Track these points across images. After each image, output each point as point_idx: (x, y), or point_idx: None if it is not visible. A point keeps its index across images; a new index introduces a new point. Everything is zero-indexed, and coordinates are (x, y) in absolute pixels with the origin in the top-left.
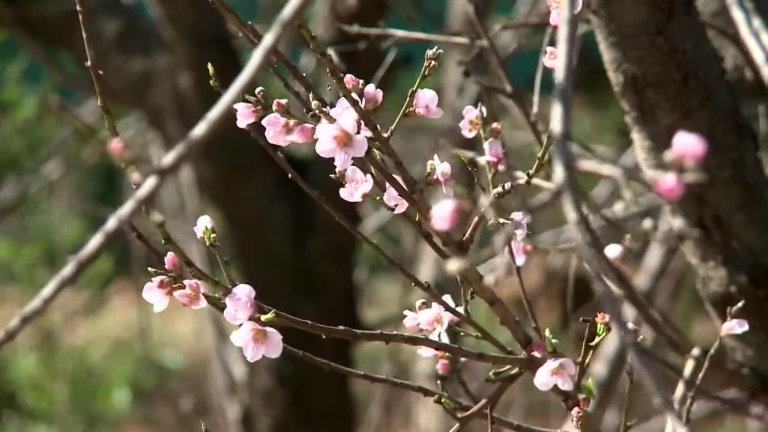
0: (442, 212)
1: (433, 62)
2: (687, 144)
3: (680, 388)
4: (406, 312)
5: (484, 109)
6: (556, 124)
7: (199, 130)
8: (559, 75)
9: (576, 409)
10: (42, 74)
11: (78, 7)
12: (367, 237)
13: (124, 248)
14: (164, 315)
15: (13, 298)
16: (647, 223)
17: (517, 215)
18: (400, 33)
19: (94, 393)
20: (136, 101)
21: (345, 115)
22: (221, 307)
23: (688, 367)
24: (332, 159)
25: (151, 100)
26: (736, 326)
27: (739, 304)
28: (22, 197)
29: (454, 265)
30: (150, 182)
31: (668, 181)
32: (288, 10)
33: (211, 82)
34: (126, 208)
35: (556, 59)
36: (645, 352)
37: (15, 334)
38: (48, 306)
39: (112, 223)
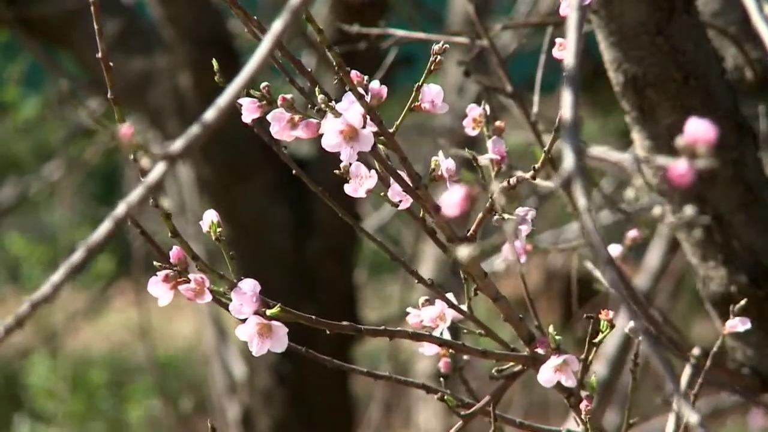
0: (452, 199)
1: (439, 57)
2: (699, 129)
3: (684, 382)
4: (409, 309)
5: (487, 107)
6: (566, 111)
7: (209, 116)
8: (569, 62)
9: (585, 402)
10: (42, 75)
11: None
12: (369, 235)
13: (125, 249)
14: (164, 315)
15: (16, 300)
16: (657, 210)
17: (522, 210)
18: (400, 33)
19: (123, 401)
20: (136, 101)
21: (351, 109)
22: (226, 302)
23: (689, 368)
24: (332, 159)
25: (151, 100)
26: (739, 324)
27: (742, 303)
28: (22, 197)
29: (463, 252)
30: (159, 169)
31: (680, 166)
32: None
33: (216, 77)
34: (134, 195)
35: (565, 50)
36: (655, 337)
37: (24, 321)
38: (57, 293)
39: (120, 209)
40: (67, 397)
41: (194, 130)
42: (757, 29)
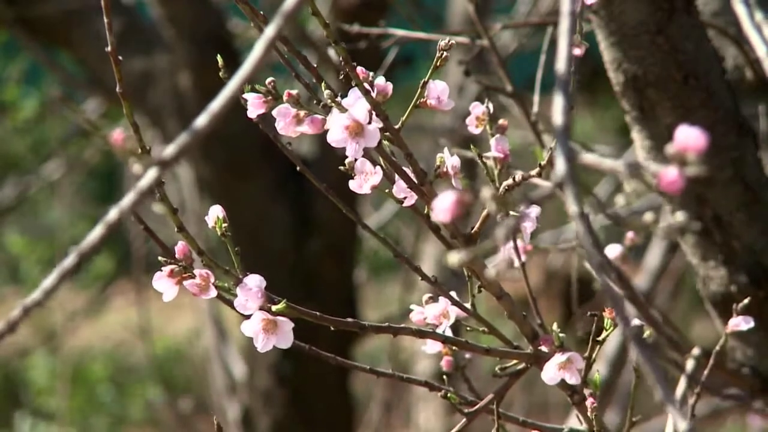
0: (443, 204)
1: (445, 53)
2: (689, 137)
3: (681, 387)
4: (413, 306)
5: (490, 106)
6: (557, 116)
7: (201, 121)
8: (560, 67)
9: (591, 400)
10: (42, 74)
11: None
12: (369, 235)
13: (125, 249)
14: (164, 315)
15: (15, 300)
16: (649, 217)
17: (525, 208)
18: (400, 33)
19: (124, 392)
20: (136, 101)
21: (357, 104)
22: (229, 300)
23: (689, 366)
24: (332, 158)
25: (150, 100)
26: (741, 323)
27: (745, 301)
28: (22, 197)
29: (454, 257)
30: (151, 173)
31: (670, 174)
32: (290, 2)
33: (220, 73)
34: (128, 200)
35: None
36: (647, 345)
37: (16, 325)
38: (50, 297)
39: (113, 213)
40: (67, 395)
41: (186, 136)
42: (749, 36)
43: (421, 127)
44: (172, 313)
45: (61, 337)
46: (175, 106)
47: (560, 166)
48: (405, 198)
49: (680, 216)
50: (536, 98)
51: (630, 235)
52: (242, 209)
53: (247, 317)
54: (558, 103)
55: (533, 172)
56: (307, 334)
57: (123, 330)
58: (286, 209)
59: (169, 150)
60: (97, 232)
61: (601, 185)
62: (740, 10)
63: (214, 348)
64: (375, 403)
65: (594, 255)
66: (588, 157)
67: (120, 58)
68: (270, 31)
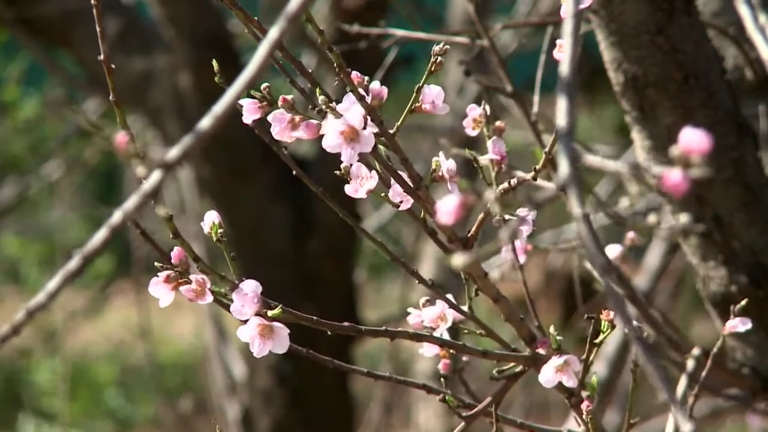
0: (447, 207)
1: (439, 58)
2: (693, 139)
3: (681, 387)
4: (410, 309)
5: (487, 108)
6: (561, 117)
7: (205, 123)
8: (564, 69)
9: (586, 403)
10: (42, 75)
11: (93, 1)
12: (369, 235)
13: (125, 249)
14: (164, 315)
15: (15, 300)
16: (652, 218)
17: (522, 211)
18: (400, 33)
19: (126, 396)
20: (136, 101)
21: (352, 110)
22: (226, 303)
23: (690, 366)
24: (332, 158)
25: (151, 100)
26: (739, 324)
27: (742, 303)
28: (22, 197)
29: (459, 259)
30: (155, 176)
31: (674, 176)
32: (293, 4)
33: (216, 78)
34: (131, 202)
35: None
36: (649, 345)
37: (20, 328)
38: (53, 300)
39: (117, 216)
40: (70, 396)
41: (189, 138)
42: (752, 38)
43: (422, 128)
44: (172, 313)
45: (62, 337)
46: (175, 106)
47: (564, 168)
48: (401, 202)
49: (684, 217)
50: (536, 98)
51: (630, 235)
52: (242, 210)
53: (244, 322)
54: (562, 104)
55: (528, 176)
56: (306, 335)
57: (123, 330)
58: (286, 210)
59: (173, 152)
60: (100, 235)
61: (601, 185)
62: (744, 11)
63: (214, 348)
64: (375, 403)
65: (597, 257)
66: (592, 159)
67: (113, 66)
68: (274, 32)
